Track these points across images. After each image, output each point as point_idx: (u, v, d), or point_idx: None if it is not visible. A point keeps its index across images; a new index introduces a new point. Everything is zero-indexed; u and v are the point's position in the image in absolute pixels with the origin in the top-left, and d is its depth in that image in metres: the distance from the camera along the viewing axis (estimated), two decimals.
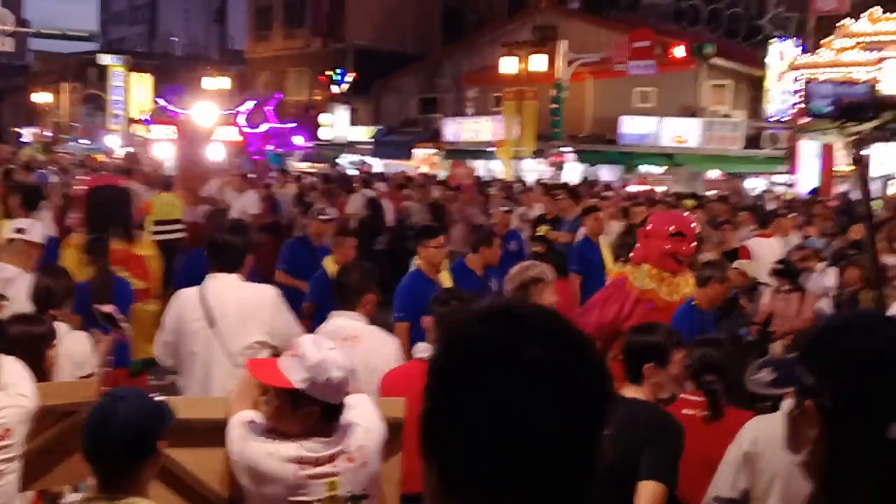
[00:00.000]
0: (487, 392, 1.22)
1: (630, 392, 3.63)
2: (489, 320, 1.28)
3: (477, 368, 1.24)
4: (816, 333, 1.60)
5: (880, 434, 1.39)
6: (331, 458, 2.98)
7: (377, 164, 33.17)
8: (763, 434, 3.19)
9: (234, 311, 4.62)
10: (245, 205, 15.41)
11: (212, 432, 3.17)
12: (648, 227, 6.14)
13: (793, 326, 7.51)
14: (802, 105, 20.95)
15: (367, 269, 4.94)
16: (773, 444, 3.03)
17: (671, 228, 5.95)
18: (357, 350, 4.32)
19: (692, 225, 6.33)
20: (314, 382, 2.90)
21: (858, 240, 8.87)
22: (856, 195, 19.74)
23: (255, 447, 2.99)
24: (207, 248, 4.94)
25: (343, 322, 4.57)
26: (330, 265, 7.50)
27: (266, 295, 4.80)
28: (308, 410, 2.94)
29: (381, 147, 34.12)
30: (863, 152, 18.26)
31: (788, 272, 7.98)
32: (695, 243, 6.28)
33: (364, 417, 3.15)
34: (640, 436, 3.36)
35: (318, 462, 2.96)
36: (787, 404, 1.75)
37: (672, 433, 3.49)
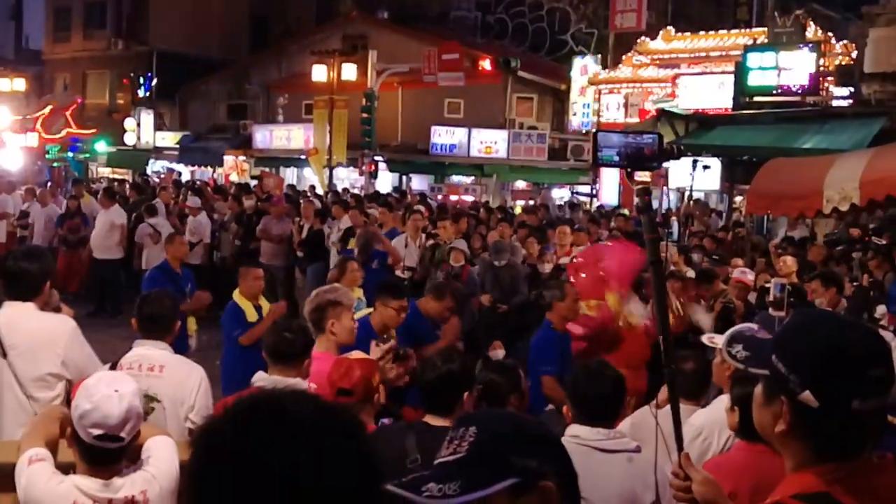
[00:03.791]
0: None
1: (437, 421, 3.57)
2: (240, 424, 1.27)
3: (219, 480, 1.23)
4: (789, 329, 1.90)
5: (845, 408, 1.73)
6: (109, 502, 2.93)
7: (185, 171, 32.12)
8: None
9: (26, 342, 4.39)
10: (50, 216, 15.10)
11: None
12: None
13: None
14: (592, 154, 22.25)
15: (173, 296, 4.86)
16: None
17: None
18: (163, 381, 4.31)
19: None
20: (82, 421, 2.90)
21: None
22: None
23: (35, 483, 2.91)
24: (1, 276, 4.64)
25: (147, 351, 4.46)
26: (238, 298, 7.21)
27: (62, 326, 4.54)
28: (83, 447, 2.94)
29: (188, 153, 33.00)
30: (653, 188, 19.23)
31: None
32: None
33: (155, 463, 3.07)
34: None
35: (95, 502, 2.92)
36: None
37: None
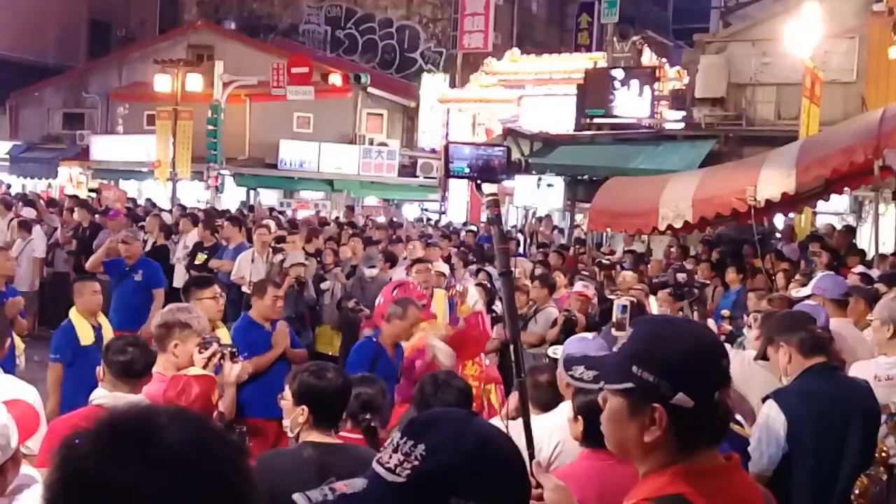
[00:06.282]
0: None
1: (324, 438, 3.61)
2: (105, 443, 1.19)
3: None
4: (643, 339, 1.94)
5: (710, 400, 1.85)
6: None
7: (15, 183, 30.41)
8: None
9: None
10: None
11: None
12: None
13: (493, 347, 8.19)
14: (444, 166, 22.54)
15: None
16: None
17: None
18: None
19: None
20: None
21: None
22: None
23: None
24: None
25: None
26: (76, 317, 6.79)
27: None
28: None
29: (19, 164, 31.29)
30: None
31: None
32: None
33: None
34: None
35: None
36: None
37: None
